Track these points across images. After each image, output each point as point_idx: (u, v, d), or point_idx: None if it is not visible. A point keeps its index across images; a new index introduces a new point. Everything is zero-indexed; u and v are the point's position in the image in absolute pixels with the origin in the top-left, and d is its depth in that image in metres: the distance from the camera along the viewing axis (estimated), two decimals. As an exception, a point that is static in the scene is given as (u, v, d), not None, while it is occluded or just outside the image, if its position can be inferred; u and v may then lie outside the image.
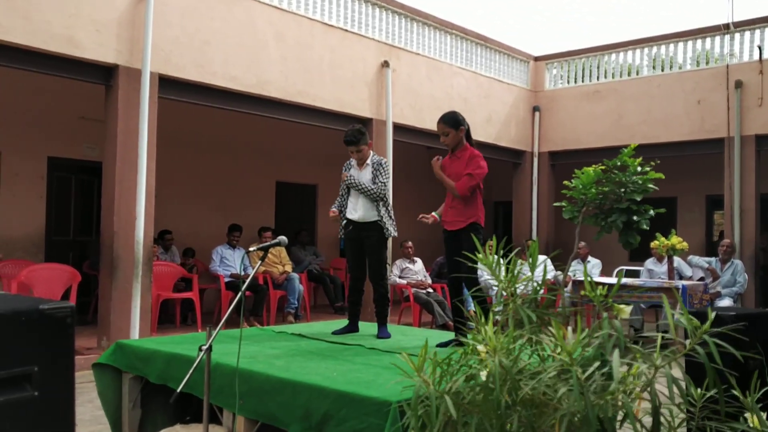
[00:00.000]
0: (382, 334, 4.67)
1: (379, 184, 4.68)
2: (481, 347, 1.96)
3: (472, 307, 7.96)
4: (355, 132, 4.74)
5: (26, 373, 2.29)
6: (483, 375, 1.90)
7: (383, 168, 4.74)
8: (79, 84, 7.19)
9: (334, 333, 4.69)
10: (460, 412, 1.92)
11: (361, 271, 4.84)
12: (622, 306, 2.11)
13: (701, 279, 9.14)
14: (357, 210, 4.73)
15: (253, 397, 3.22)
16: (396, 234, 4.89)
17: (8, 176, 8.52)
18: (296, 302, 9.07)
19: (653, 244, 8.89)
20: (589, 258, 10.18)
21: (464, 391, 1.96)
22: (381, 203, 4.71)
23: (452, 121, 4.38)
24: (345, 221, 4.81)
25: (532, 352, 2.04)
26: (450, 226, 4.45)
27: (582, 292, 2.17)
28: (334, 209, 4.87)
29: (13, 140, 8.51)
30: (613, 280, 9.00)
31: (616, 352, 1.79)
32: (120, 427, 4.07)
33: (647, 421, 1.85)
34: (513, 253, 2.36)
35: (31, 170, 8.72)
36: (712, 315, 1.89)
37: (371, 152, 4.81)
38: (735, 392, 2.05)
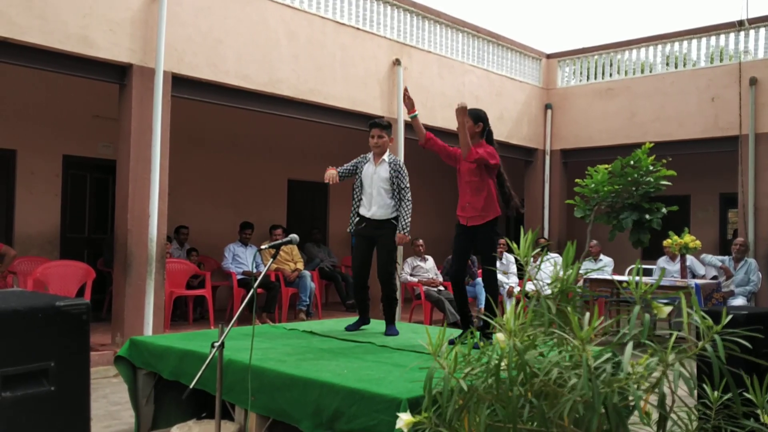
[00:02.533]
0: (390, 331, 4.70)
1: (406, 195, 4.75)
2: (500, 335, 1.97)
3: (482, 305, 7.97)
4: (383, 119, 4.96)
5: (43, 368, 2.33)
6: (503, 364, 1.92)
7: (404, 172, 4.79)
8: (94, 83, 7.26)
9: (347, 329, 4.74)
10: (473, 399, 1.94)
11: (365, 269, 4.85)
12: (661, 305, 2.06)
13: (714, 278, 9.08)
14: (372, 206, 4.74)
15: (265, 394, 3.25)
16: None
17: (24, 174, 8.62)
18: (308, 300, 9.11)
19: (666, 242, 8.84)
20: (601, 256, 10.14)
21: (477, 381, 1.98)
22: (403, 202, 4.73)
23: (473, 114, 4.45)
24: (358, 218, 4.83)
25: (550, 347, 2.05)
26: (468, 222, 4.48)
27: (625, 285, 2.14)
28: (335, 171, 4.79)
29: (29, 139, 8.60)
30: (624, 278, 8.95)
31: (629, 345, 1.80)
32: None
33: (655, 417, 1.86)
34: (544, 248, 2.38)
35: (46, 168, 8.81)
36: (727, 318, 1.87)
37: (388, 150, 4.86)
38: (747, 393, 2.05)
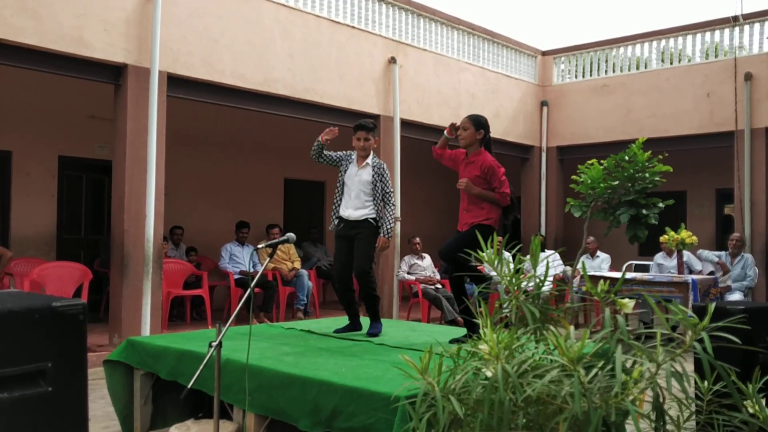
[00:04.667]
0: (373, 329, 4.58)
1: (390, 199, 4.71)
2: (483, 347, 1.97)
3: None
4: (369, 121, 4.85)
5: (40, 369, 2.32)
6: (488, 373, 1.91)
7: (387, 176, 4.74)
8: (89, 83, 7.24)
9: (337, 331, 4.65)
10: (465, 411, 1.93)
11: (347, 272, 4.74)
12: (625, 300, 2.10)
13: (711, 273, 9.10)
14: (348, 207, 4.69)
15: (263, 393, 3.25)
16: (389, 236, 4.78)
17: (20, 176, 8.60)
18: (305, 299, 9.10)
19: (663, 238, 8.86)
20: (599, 253, 10.16)
21: (470, 386, 1.97)
22: (387, 206, 4.70)
23: (476, 121, 4.46)
24: (337, 220, 4.78)
25: (536, 349, 2.05)
26: (464, 228, 4.46)
27: (584, 288, 2.18)
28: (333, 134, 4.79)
29: (24, 140, 8.58)
30: (620, 275, 8.97)
31: (618, 353, 1.79)
32: (130, 423, 4.12)
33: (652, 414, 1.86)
34: (516, 249, 2.38)
35: (42, 169, 8.79)
36: (711, 308, 1.88)
37: (372, 152, 4.81)
38: (737, 384, 2.05)
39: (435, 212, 12.78)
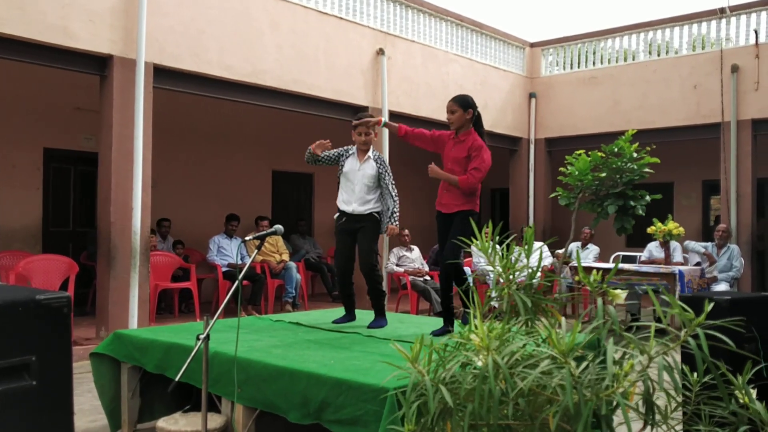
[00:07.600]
0: (376, 323, 4.62)
1: (393, 191, 4.71)
2: (474, 337, 1.96)
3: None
4: (368, 115, 4.81)
5: (24, 362, 2.30)
6: (478, 362, 1.91)
7: (388, 168, 4.74)
8: (75, 75, 7.16)
9: (335, 322, 4.69)
10: (455, 401, 1.93)
11: (350, 265, 4.77)
12: (617, 291, 2.09)
13: (698, 264, 9.16)
14: (353, 202, 4.68)
15: (252, 385, 3.24)
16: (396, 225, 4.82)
17: (5, 168, 8.50)
18: (294, 291, 9.09)
19: (650, 229, 8.90)
20: (588, 244, 10.20)
21: (459, 377, 1.97)
22: (391, 200, 4.70)
23: (462, 101, 4.41)
24: (338, 214, 4.77)
25: (526, 340, 2.05)
26: (445, 209, 4.44)
27: (576, 278, 2.18)
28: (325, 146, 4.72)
29: (9, 132, 8.47)
30: (610, 265, 9.02)
31: (611, 345, 1.78)
32: (117, 416, 4.10)
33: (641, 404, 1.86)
34: (510, 239, 2.37)
35: (27, 162, 8.69)
36: (708, 307, 1.87)
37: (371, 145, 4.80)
38: (728, 376, 2.06)
39: (425, 204, 12.77)
